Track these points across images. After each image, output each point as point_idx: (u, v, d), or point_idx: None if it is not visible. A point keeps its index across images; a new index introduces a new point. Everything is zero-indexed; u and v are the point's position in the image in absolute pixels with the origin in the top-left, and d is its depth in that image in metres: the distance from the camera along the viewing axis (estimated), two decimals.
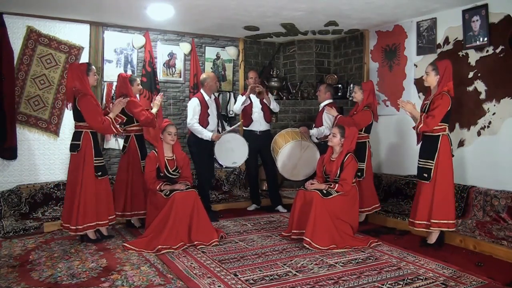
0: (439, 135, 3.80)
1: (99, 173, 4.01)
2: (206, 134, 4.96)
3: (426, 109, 3.86)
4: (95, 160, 3.98)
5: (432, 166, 3.81)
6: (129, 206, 4.52)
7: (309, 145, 5.06)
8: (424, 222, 3.87)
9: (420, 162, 3.93)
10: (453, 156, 3.88)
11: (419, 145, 4.01)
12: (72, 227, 3.92)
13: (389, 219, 4.68)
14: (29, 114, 4.99)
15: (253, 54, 6.52)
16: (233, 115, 6.27)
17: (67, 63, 5.07)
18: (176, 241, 3.86)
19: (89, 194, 3.93)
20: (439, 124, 3.79)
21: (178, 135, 4.38)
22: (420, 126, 3.78)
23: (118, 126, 4.11)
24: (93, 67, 4.10)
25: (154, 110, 4.59)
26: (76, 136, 3.99)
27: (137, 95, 5.52)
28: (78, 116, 3.98)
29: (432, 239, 3.94)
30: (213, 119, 5.12)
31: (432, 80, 3.85)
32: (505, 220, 4.11)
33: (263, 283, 3.09)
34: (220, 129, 5.24)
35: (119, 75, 4.60)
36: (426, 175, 3.84)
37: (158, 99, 4.73)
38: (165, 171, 4.18)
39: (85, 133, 3.97)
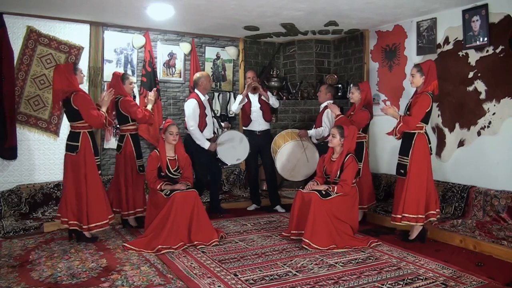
0: (415, 133, 3.96)
1: (100, 172, 4.08)
2: (204, 143, 4.97)
3: (407, 108, 4.05)
4: (96, 159, 4.04)
5: (407, 162, 3.98)
6: (125, 206, 4.50)
7: (308, 146, 5.05)
8: (398, 216, 4.06)
9: (398, 158, 4.13)
10: (431, 154, 4.06)
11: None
12: (85, 227, 3.96)
13: (389, 219, 4.66)
14: (29, 114, 4.99)
15: (253, 54, 6.52)
16: (233, 115, 6.27)
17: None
18: (176, 241, 3.86)
19: (95, 193, 3.97)
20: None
21: (180, 135, 4.36)
22: (400, 125, 3.97)
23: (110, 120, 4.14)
24: (79, 66, 4.14)
25: (149, 107, 4.57)
26: (74, 136, 3.97)
27: (137, 94, 5.48)
28: (73, 116, 3.97)
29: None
30: (209, 119, 5.13)
31: (418, 81, 4.01)
32: (505, 220, 4.12)
33: (263, 283, 3.09)
34: (216, 129, 5.25)
35: (113, 73, 4.55)
36: (402, 171, 4.04)
37: (151, 95, 4.66)
38: (167, 171, 4.18)
39: (84, 133, 3.97)
